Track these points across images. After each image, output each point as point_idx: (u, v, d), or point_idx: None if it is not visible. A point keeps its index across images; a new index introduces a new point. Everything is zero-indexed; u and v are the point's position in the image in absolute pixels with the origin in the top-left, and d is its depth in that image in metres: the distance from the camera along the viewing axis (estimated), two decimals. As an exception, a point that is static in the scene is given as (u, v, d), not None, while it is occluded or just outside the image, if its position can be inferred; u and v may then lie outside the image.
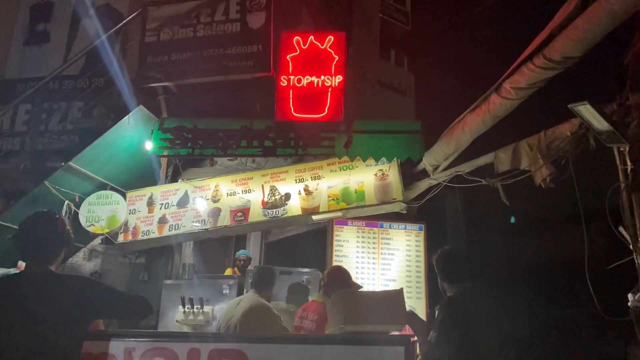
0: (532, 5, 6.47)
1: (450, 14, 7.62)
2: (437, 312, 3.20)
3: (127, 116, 5.70)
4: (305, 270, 6.04)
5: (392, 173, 5.80)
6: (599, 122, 3.57)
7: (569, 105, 3.71)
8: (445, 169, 5.49)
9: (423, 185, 5.75)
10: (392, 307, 3.03)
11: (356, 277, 5.96)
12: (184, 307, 5.78)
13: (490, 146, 5.08)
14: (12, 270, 4.43)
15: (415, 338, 3.05)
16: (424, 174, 5.80)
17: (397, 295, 3.13)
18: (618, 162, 3.58)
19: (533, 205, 5.37)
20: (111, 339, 2.97)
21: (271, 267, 5.07)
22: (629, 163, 3.46)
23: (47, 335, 2.34)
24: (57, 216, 2.69)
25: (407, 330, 3.33)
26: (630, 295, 3.32)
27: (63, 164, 5.74)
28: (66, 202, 5.96)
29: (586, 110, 3.56)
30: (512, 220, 6.08)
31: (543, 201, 5.26)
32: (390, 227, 6.20)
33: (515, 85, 3.74)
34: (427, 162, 5.56)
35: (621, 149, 3.56)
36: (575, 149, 4.03)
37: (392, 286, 5.96)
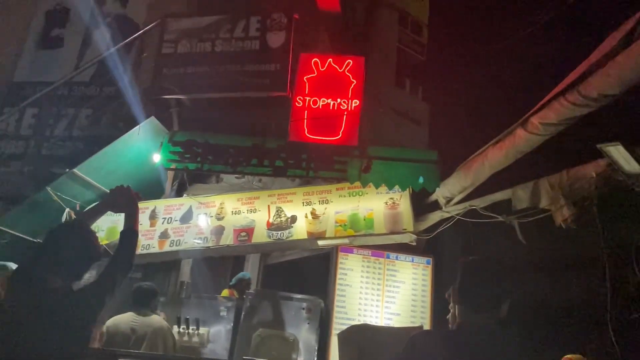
0: (552, 45, 6.44)
1: (468, 49, 7.58)
2: None
3: (137, 126, 5.59)
4: (306, 297, 5.84)
5: (403, 202, 5.66)
6: (629, 164, 3.46)
7: (598, 145, 3.62)
8: (458, 203, 5.36)
9: (434, 217, 5.61)
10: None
11: (359, 309, 5.80)
12: (179, 327, 5.57)
13: (506, 182, 4.96)
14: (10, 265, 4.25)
15: None
16: (436, 205, 5.66)
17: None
18: (647, 206, 3.46)
19: (547, 244, 5.22)
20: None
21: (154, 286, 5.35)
22: (659, 208, 3.34)
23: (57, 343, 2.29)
24: (89, 230, 2.58)
25: None
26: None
27: (67, 170, 5.60)
28: (67, 210, 5.79)
29: (617, 151, 3.46)
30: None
31: (557, 241, 5.10)
32: (397, 259, 6.03)
33: (544, 120, 3.63)
34: (440, 194, 5.43)
35: (651, 193, 3.44)
36: (600, 190, 3.91)
37: (395, 320, 5.78)
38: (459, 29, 8.05)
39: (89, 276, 2.64)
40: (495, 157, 4.35)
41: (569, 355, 3.91)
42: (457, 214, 5.34)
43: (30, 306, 2.30)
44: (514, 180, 4.86)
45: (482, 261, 2.28)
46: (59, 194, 5.63)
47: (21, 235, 5.63)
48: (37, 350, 2.23)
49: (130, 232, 2.75)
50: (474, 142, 4.99)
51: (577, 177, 4.11)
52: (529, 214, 4.58)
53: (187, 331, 5.60)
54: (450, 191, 5.26)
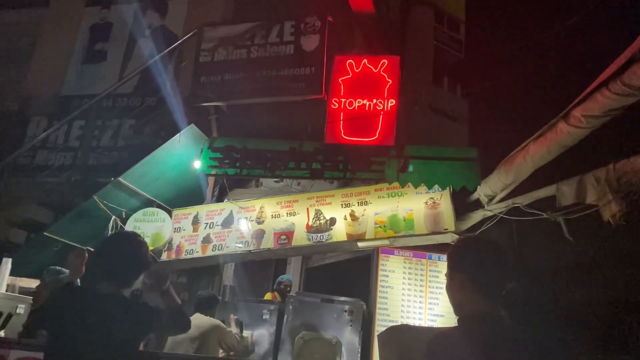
0: (589, 39, 6.23)
1: (507, 43, 7.39)
2: None
3: (178, 134, 5.73)
4: (348, 299, 5.82)
5: (444, 202, 5.55)
6: (681, 156, 3.29)
7: (646, 136, 3.46)
8: (500, 200, 5.23)
9: (477, 216, 5.48)
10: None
11: (402, 311, 5.73)
12: (223, 330, 5.65)
13: (549, 178, 4.81)
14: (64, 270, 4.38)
15: None
16: (477, 204, 5.54)
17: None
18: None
19: (595, 242, 5.02)
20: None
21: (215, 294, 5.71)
22: None
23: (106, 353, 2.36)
24: (141, 239, 2.67)
25: None
26: None
27: (112, 179, 5.79)
28: (113, 217, 5.98)
29: (667, 142, 3.30)
30: None
31: (605, 238, 4.90)
32: (439, 259, 5.92)
33: (586, 113, 3.50)
34: (481, 192, 5.31)
35: None
36: (650, 183, 3.74)
37: (439, 322, 5.68)
38: (497, 25, 7.89)
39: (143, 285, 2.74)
40: (537, 152, 4.22)
41: None
42: (500, 212, 5.20)
43: (84, 310, 2.39)
44: (557, 175, 4.71)
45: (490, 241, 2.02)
46: (105, 202, 5.83)
47: (71, 242, 5.86)
48: (88, 351, 2.31)
49: (175, 314, 2.81)
50: (515, 138, 4.86)
51: (624, 171, 3.94)
52: (575, 210, 4.42)
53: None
54: (492, 189, 5.14)
